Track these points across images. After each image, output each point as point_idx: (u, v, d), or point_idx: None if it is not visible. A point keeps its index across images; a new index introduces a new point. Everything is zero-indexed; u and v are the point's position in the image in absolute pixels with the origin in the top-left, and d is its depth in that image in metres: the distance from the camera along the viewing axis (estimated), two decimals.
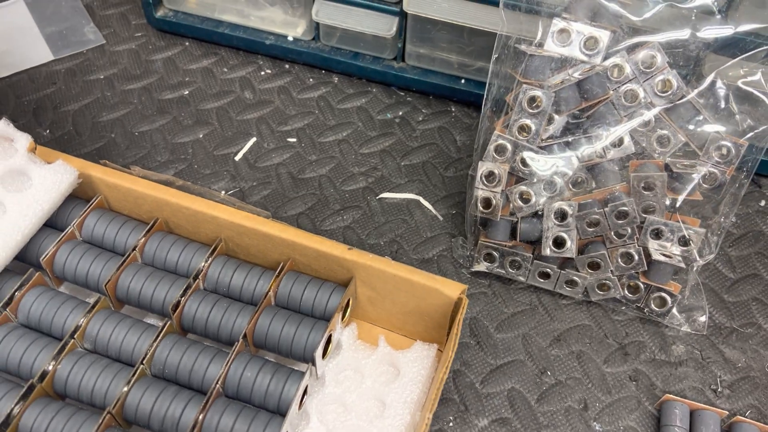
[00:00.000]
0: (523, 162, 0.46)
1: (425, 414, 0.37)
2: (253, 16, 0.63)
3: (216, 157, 0.58)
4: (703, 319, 0.49)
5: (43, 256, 0.44)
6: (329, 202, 0.55)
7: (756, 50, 0.45)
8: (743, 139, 0.45)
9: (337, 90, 0.63)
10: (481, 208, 0.48)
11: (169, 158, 0.57)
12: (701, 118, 0.45)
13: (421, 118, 0.61)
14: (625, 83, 0.45)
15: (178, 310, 0.42)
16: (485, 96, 0.48)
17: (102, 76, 0.63)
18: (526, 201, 0.47)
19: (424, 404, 0.41)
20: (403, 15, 0.57)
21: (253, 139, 0.59)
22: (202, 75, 0.64)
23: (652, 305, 0.48)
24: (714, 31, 0.44)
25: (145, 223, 0.47)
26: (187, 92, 0.62)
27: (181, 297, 0.42)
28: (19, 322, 0.42)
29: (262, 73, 0.64)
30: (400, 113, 0.61)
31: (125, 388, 0.39)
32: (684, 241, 0.46)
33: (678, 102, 0.45)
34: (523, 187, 0.47)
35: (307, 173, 0.57)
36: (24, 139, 0.45)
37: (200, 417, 0.38)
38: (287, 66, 0.65)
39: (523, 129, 0.46)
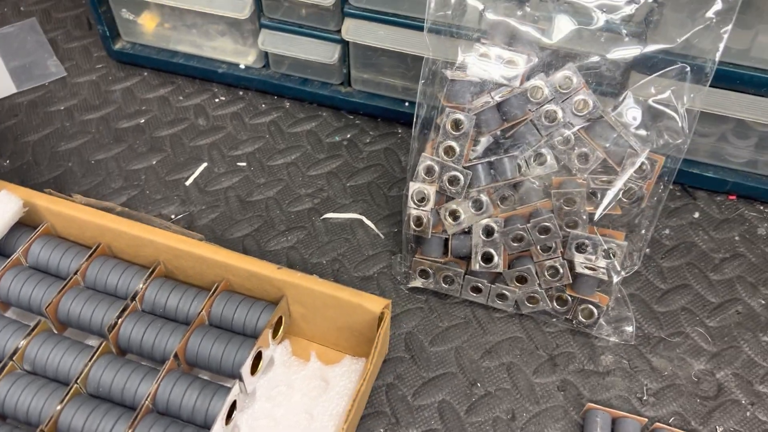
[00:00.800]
0: (450, 182, 0.48)
1: (341, 425, 0.39)
2: (205, 46, 0.65)
3: (167, 183, 0.60)
4: (630, 329, 0.50)
5: None
6: (275, 223, 0.57)
7: (667, 69, 0.47)
8: (659, 153, 0.47)
9: (288, 115, 0.65)
10: (413, 227, 0.50)
11: (123, 185, 0.59)
12: (617, 135, 0.47)
13: (368, 140, 0.63)
14: (545, 104, 0.47)
15: (114, 331, 0.44)
16: (414, 119, 0.50)
17: (62, 108, 0.66)
18: (456, 218, 0.49)
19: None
20: (344, 42, 0.59)
21: (204, 164, 0.61)
22: (159, 103, 0.66)
23: (580, 317, 0.50)
24: (622, 52, 0.46)
25: (89, 248, 0.49)
26: (143, 120, 0.65)
27: (118, 318, 0.44)
28: None
29: (216, 100, 0.66)
30: (348, 136, 0.64)
31: (58, 407, 0.40)
32: (606, 255, 0.48)
33: (595, 120, 0.47)
34: (452, 206, 0.49)
35: (255, 196, 0.59)
36: None
37: None
38: (241, 93, 0.67)
39: (448, 151, 0.48)
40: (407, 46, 0.57)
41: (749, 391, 0.48)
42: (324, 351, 0.48)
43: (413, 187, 0.49)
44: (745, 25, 0.49)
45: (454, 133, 0.47)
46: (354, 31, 0.58)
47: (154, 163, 0.61)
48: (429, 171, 0.49)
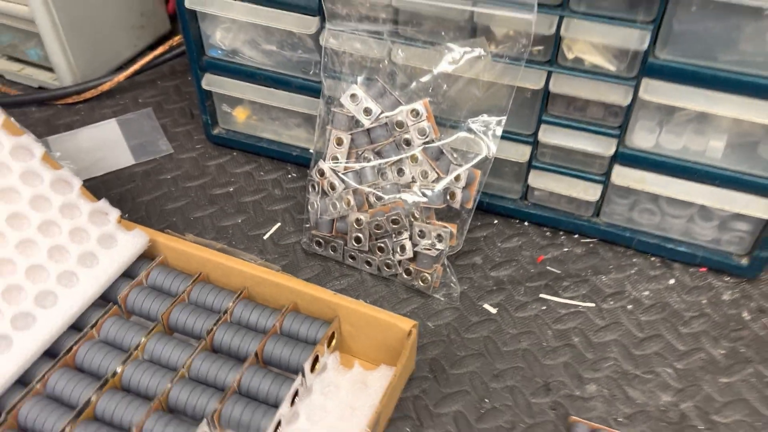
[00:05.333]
0: (331, 185, 0.68)
1: (380, 408, 0.52)
2: (284, 134, 0.83)
3: (249, 236, 0.76)
4: (455, 294, 0.69)
5: (120, 294, 0.62)
6: (331, 271, 0.72)
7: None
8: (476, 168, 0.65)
9: None
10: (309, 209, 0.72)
11: (215, 236, 0.76)
12: (445, 155, 0.66)
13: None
14: (405, 133, 0.65)
15: (210, 334, 0.59)
16: (315, 137, 0.71)
17: (169, 177, 0.84)
18: (335, 209, 0.69)
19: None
20: None
21: (278, 224, 0.77)
22: (244, 177, 0.84)
23: (420, 282, 0.68)
24: None
25: (192, 275, 0.64)
26: (232, 189, 0.82)
27: (213, 326, 0.59)
28: (100, 338, 0.60)
29: (289, 176, 0.84)
30: None
31: (169, 385, 0.55)
32: (438, 238, 0.66)
33: (430, 144, 0.65)
34: (333, 200, 0.69)
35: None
36: (114, 213, 0.65)
37: (220, 406, 0.54)
38: (308, 171, 0.84)
39: (333, 158, 0.68)
40: None
41: (706, 420, 0.59)
42: (364, 362, 0.62)
43: (310, 182, 0.71)
44: (700, 132, 0.65)
45: (336, 147, 0.67)
46: None
47: (240, 221, 0.78)
48: (320, 173, 0.69)
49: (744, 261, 0.70)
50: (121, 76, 0.94)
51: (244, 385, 0.56)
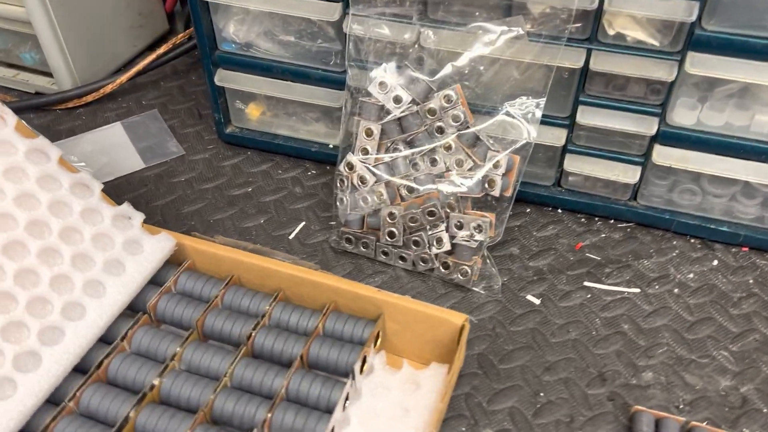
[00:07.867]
0: (362, 179, 0.65)
1: (440, 406, 0.49)
2: (302, 130, 0.80)
3: (274, 237, 0.73)
4: (496, 286, 0.66)
5: (149, 302, 0.58)
6: (363, 268, 0.69)
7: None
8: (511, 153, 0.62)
9: None
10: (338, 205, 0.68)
11: (238, 239, 0.72)
12: (482, 141, 0.63)
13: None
14: (438, 121, 0.63)
15: (250, 339, 0.56)
16: (341, 130, 0.68)
17: (183, 179, 0.80)
18: (366, 203, 0.66)
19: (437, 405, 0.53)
20: None
21: (303, 223, 0.74)
22: (262, 176, 0.80)
23: (459, 276, 0.65)
24: None
25: (223, 280, 0.61)
26: (250, 189, 0.78)
27: (252, 330, 0.56)
28: (132, 350, 0.56)
29: (309, 173, 0.80)
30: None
31: (212, 396, 0.51)
32: (477, 229, 0.63)
33: (465, 131, 0.62)
34: (364, 193, 0.66)
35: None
36: (138, 217, 0.61)
37: (269, 415, 0.50)
38: (328, 167, 0.81)
39: (363, 150, 0.64)
40: None
41: None
42: (413, 362, 0.59)
43: (338, 176, 0.67)
44: (743, 107, 0.62)
45: (366, 138, 0.64)
46: None
47: (262, 221, 0.74)
48: (349, 166, 0.65)
49: None
50: (124, 78, 0.90)
51: (292, 390, 0.52)
